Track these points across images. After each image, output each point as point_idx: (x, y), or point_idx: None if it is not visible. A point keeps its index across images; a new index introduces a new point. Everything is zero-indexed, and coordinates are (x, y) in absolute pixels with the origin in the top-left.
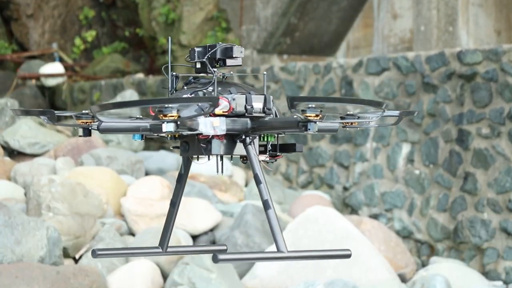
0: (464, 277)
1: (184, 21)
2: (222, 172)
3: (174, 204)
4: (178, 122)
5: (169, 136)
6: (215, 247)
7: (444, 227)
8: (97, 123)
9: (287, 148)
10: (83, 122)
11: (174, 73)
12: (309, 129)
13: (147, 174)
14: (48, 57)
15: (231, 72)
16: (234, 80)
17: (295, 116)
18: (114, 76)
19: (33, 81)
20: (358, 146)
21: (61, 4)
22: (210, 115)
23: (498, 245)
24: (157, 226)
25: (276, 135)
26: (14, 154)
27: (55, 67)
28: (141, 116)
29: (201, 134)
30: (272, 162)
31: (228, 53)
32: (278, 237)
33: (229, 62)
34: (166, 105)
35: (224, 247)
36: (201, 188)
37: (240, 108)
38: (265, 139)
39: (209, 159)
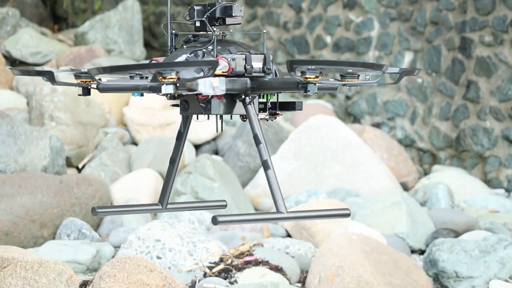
0: (466, 185)
1: None
2: (221, 130)
3: (174, 162)
4: (178, 84)
5: (169, 96)
6: (215, 203)
7: (446, 135)
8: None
9: (287, 106)
10: (82, 81)
11: (173, 31)
12: (309, 91)
13: None
14: None
15: (231, 31)
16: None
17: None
18: None
19: None
20: (360, 54)
21: None
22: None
23: (500, 153)
24: (160, 135)
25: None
26: (16, 63)
27: None
28: (140, 73)
29: (200, 94)
30: (271, 120)
31: (227, 11)
32: (277, 198)
33: (228, 20)
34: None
35: (224, 203)
36: None
37: (240, 68)
38: (265, 97)
39: (208, 119)
